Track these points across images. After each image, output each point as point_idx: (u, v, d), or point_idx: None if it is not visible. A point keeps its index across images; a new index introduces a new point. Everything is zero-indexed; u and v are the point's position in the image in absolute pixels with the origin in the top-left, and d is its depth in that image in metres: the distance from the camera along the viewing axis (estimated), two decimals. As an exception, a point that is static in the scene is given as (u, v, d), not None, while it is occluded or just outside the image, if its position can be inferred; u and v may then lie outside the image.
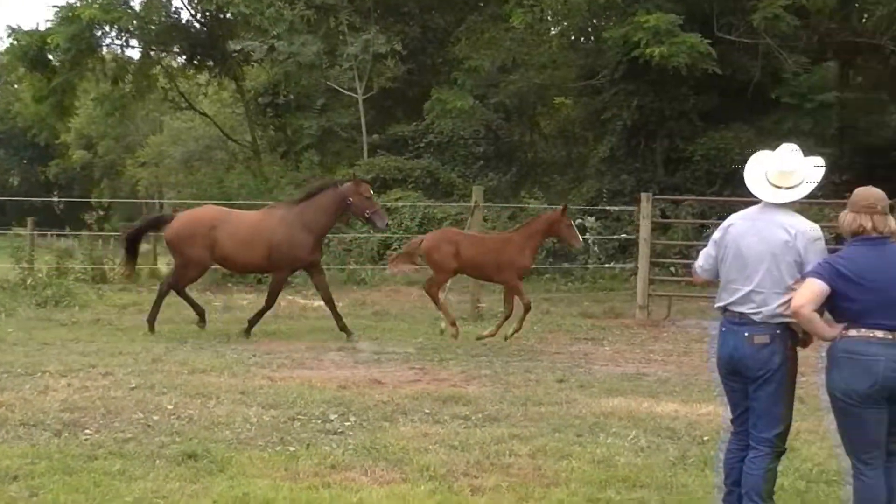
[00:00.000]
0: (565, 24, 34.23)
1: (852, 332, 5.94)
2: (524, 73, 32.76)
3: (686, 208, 25.36)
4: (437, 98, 32.37)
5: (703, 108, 28.78)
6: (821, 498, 7.37)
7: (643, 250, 18.36)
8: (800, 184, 6.36)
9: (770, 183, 6.41)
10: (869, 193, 6.11)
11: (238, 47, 32.84)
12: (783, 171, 6.39)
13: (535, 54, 33.35)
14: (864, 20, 33.43)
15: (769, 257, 6.31)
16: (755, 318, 6.32)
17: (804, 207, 18.26)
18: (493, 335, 14.43)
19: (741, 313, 6.39)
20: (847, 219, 6.08)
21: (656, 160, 29.27)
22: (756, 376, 6.33)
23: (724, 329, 6.52)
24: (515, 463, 8.10)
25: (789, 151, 6.49)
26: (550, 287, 22.58)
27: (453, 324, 14.63)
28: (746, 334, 6.34)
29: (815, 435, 9.04)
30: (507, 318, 14.53)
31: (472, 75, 32.80)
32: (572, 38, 35.11)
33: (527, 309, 14.35)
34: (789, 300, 6.18)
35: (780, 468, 6.80)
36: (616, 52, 28.48)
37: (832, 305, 6.05)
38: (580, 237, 15.16)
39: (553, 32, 34.75)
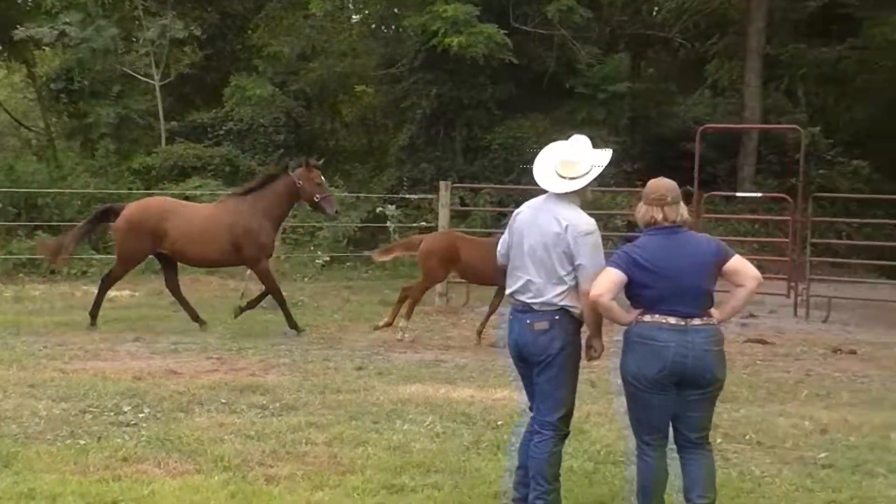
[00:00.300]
0: (366, 12, 34.31)
1: (646, 318, 6.17)
2: (324, 61, 32.59)
3: (485, 196, 25.63)
4: (236, 85, 31.92)
5: (501, 97, 29.11)
6: (607, 478, 7.61)
7: (442, 238, 18.46)
8: (584, 174, 6.54)
9: (557, 173, 6.58)
10: (659, 185, 6.35)
11: (25, 35, 31.59)
12: (567, 161, 6.56)
13: (336, 42, 33.22)
14: (654, 13, 34.60)
15: (542, 247, 6.48)
16: (534, 306, 6.49)
17: (597, 196, 18.69)
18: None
19: (523, 301, 6.56)
20: (641, 211, 6.34)
21: (455, 149, 29.52)
22: (538, 361, 6.50)
23: (511, 317, 6.69)
24: (311, 451, 8.14)
25: (576, 142, 6.68)
26: (351, 275, 22.54)
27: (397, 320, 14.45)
28: (528, 321, 6.51)
29: (604, 417, 9.33)
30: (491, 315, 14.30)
31: (272, 62, 32.50)
32: (373, 26, 35.13)
33: None
34: (567, 290, 6.40)
35: (569, 450, 7.00)
36: (415, 40, 28.59)
37: (630, 293, 6.28)
38: None
39: (354, 20, 34.75)
